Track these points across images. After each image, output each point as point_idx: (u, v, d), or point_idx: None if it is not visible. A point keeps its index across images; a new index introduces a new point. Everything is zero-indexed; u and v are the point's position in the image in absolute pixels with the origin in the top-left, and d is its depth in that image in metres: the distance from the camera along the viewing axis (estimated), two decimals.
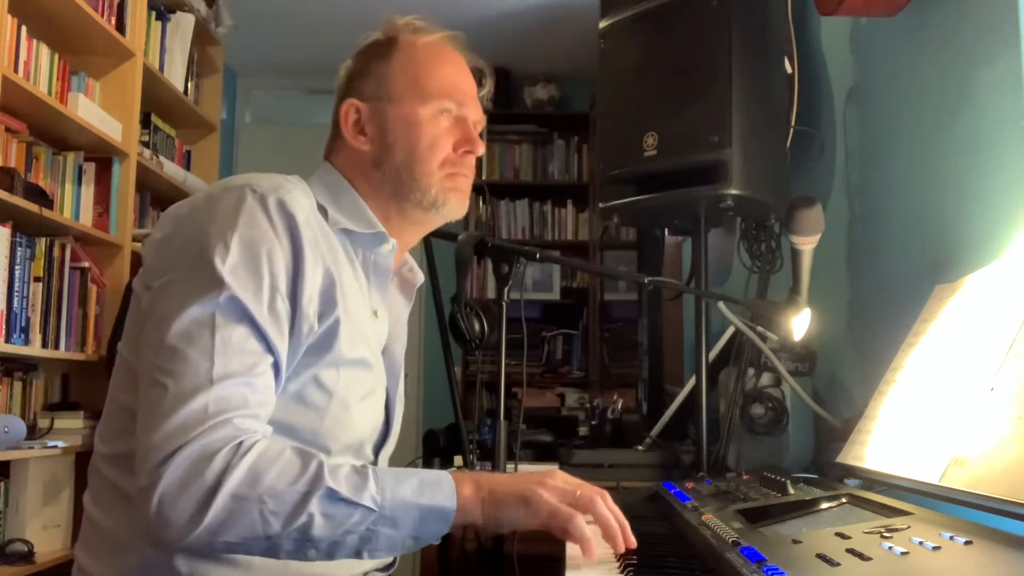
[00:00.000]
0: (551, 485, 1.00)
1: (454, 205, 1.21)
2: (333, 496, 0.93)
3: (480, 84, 1.26)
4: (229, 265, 0.98)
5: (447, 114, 1.20)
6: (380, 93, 1.20)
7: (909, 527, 0.89)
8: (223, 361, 0.95)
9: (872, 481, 1.18)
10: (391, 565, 1.24)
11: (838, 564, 0.78)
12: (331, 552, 0.95)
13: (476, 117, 1.23)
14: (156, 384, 0.94)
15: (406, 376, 1.34)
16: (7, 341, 2.40)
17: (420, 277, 1.32)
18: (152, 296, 1.01)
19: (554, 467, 1.08)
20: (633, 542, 1.02)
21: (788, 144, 1.86)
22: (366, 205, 1.18)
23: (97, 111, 2.84)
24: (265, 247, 1.01)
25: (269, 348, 0.99)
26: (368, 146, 1.20)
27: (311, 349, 1.05)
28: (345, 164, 1.21)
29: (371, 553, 0.96)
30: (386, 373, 1.22)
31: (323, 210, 1.14)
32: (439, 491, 0.98)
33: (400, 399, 1.28)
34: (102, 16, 2.82)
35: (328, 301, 1.06)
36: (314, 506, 0.92)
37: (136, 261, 3.02)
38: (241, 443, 0.93)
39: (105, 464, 1.06)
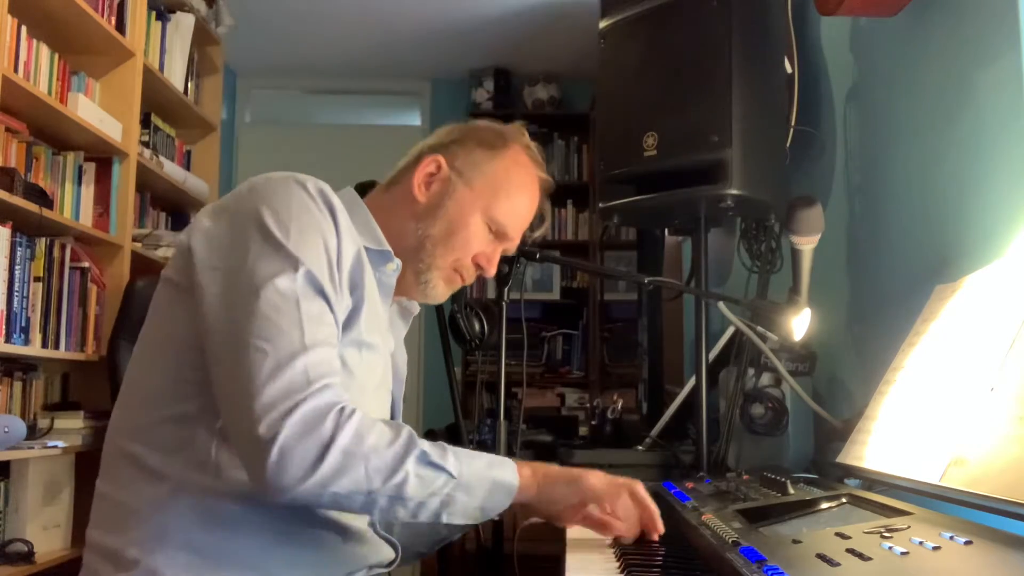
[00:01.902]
0: (598, 474, 1.16)
1: (439, 292, 1.30)
2: (424, 458, 1.03)
3: (532, 227, 1.37)
4: (294, 243, 1.05)
5: (492, 231, 1.29)
6: (466, 172, 1.28)
7: (909, 527, 0.89)
8: (311, 330, 1.02)
9: (872, 481, 1.18)
10: (393, 562, 1.27)
11: (838, 564, 0.78)
12: (416, 512, 1.04)
13: (511, 248, 1.34)
14: (253, 348, 1.00)
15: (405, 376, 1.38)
16: (7, 341, 2.40)
17: (417, 307, 1.38)
18: (221, 276, 1.06)
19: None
20: (661, 528, 1.16)
21: (788, 144, 1.86)
22: (377, 225, 1.24)
23: (97, 111, 2.84)
24: (319, 227, 1.09)
25: (335, 320, 1.08)
26: (424, 200, 1.27)
27: (343, 325, 1.12)
28: (392, 198, 1.29)
29: (449, 517, 1.06)
30: (392, 376, 1.30)
31: None
32: (505, 468, 1.11)
33: (401, 402, 1.34)
34: (102, 16, 2.82)
35: (358, 280, 1.14)
36: (410, 465, 1.02)
37: (136, 261, 3.02)
38: (343, 407, 1.01)
39: (128, 441, 1.09)
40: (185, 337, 1.07)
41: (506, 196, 1.28)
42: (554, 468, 1.15)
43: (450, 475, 1.05)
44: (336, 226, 1.11)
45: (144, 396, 1.10)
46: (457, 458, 1.06)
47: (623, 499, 1.15)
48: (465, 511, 1.07)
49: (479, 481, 1.07)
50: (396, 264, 1.24)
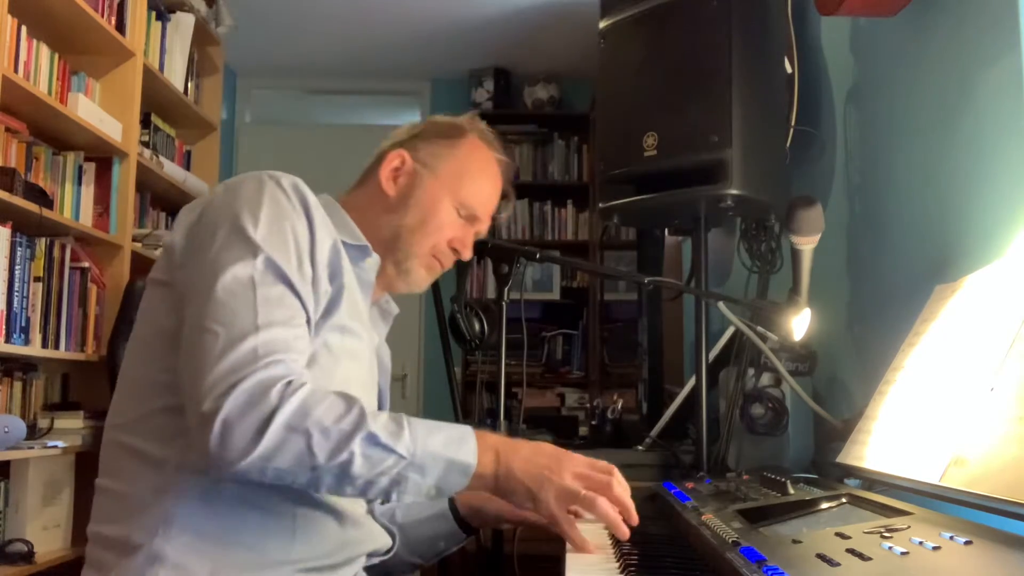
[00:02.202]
0: (558, 484, 1.08)
1: (420, 279, 1.35)
2: (373, 439, 1.01)
3: (500, 208, 1.42)
4: (261, 233, 1.08)
5: (462, 215, 1.34)
6: (429, 163, 1.34)
7: (909, 527, 0.89)
8: (266, 311, 1.04)
9: (872, 481, 1.18)
10: (390, 549, 1.31)
11: (838, 564, 0.78)
12: (365, 491, 1.03)
13: (482, 230, 1.39)
14: (206, 331, 1.02)
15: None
16: (7, 341, 2.40)
17: (396, 308, 1.42)
18: (192, 267, 1.09)
19: (573, 454, 1.14)
20: (635, 519, 1.10)
21: (788, 144, 1.86)
22: (354, 225, 1.28)
23: (97, 111, 2.84)
24: (289, 219, 1.12)
25: (303, 305, 1.09)
26: (393, 193, 1.32)
27: (323, 311, 1.15)
28: (363, 196, 1.34)
29: (400, 495, 1.04)
30: (378, 368, 1.33)
31: None
32: (464, 447, 1.07)
33: (388, 393, 1.38)
34: (102, 16, 2.82)
35: (336, 268, 1.17)
36: (356, 445, 1.00)
37: (136, 261, 3.02)
38: (291, 381, 1.01)
39: (125, 433, 1.12)
40: (170, 330, 1.10)
41: (470, 180, 1.34)
42: (519, 466, 1.08)
43: (400, 456, 1.02)
44: (309, 218, 1.14)
45: (138, 389, 1.13)
46: (412, 436, 1.03)
47: (598, 505, 1.07)
48: (418, 490, 1.05)
49: (433, 461, 1.04)
50: (375, 259, 1.28)
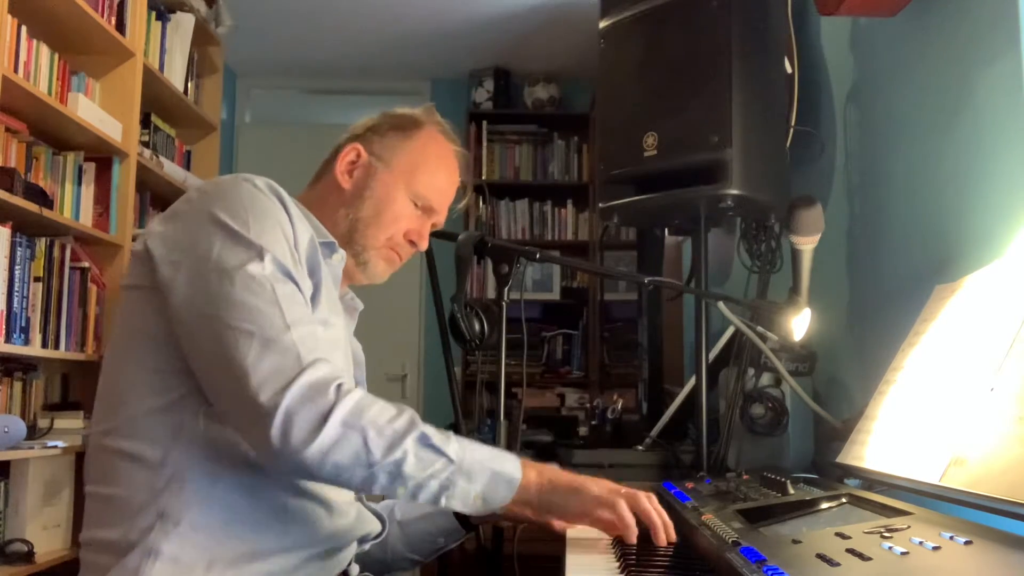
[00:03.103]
0: (599, 483, 1.16)
1: (379, 271, 1.36)
2: (425, 440, 1.06)
3: (458, 199, 1.44)
4: (255, 232, 1.10)
5: (418, 207, 1.35)
6: (384, 155, 1.35)
7: (909, 527, 0.89)
8: (289, 308, 1.07)
9: (872, 481, 1.18)
10: (380, 534, 1.33)
11: (838, 564, 0.78)
12: (416, 493, 1.06)
13: (439, 221, 1.40)
14: (236, 331, 1.04)
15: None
16: (7, 341, 2.40)
17: (360, 304, 1.43)
18: (189, 272, 1.09)
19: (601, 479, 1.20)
20: (674, 536, 1.13)
21: (788, 144, 1.86)
22: (319, 223, 1.29)
23: (97, 111, 2.84)
24: (274, 215, 1.14)
25: (306, 300, 1.13)
26: (349, 186, 1.33)
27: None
28: (320, 191, 1.35)
29: (449, 500, 1.08)
30: (353, 362, 1.35)
31: None
32: (508, 461, 1.12)
33: (364, 385, 1.38)
34: (102, 16, 2.82)
35: (314, 264, 1.19)
36: (409, 444, 1.04)
37: None
38: (342, 383, 1.04)
39: (115, 438, 1.12)
40: (155, 332, 1.11)
41: (425, 171, 1.35)
42: (559, 475, 1.15)
43: (449, 459, 1.06)
44: (289, 215, 1.16)
45: (124, 393, 1.13)
46: (460, 445, 1.08)
47: (619, 507, 1.12)
48: (465, 498, 1.08)
49: (480, 469, 1.09)
50: (341, 255, 1.29)
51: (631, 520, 1.12)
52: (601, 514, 1.13)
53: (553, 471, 1.16)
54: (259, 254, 1.08)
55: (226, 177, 1.18)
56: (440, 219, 1.39)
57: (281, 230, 1.13)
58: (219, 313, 1.05)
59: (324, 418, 1.01)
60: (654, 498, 1.16)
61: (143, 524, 1.06)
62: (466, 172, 1.44)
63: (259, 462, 1.06)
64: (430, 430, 1.07)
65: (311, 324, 1.09)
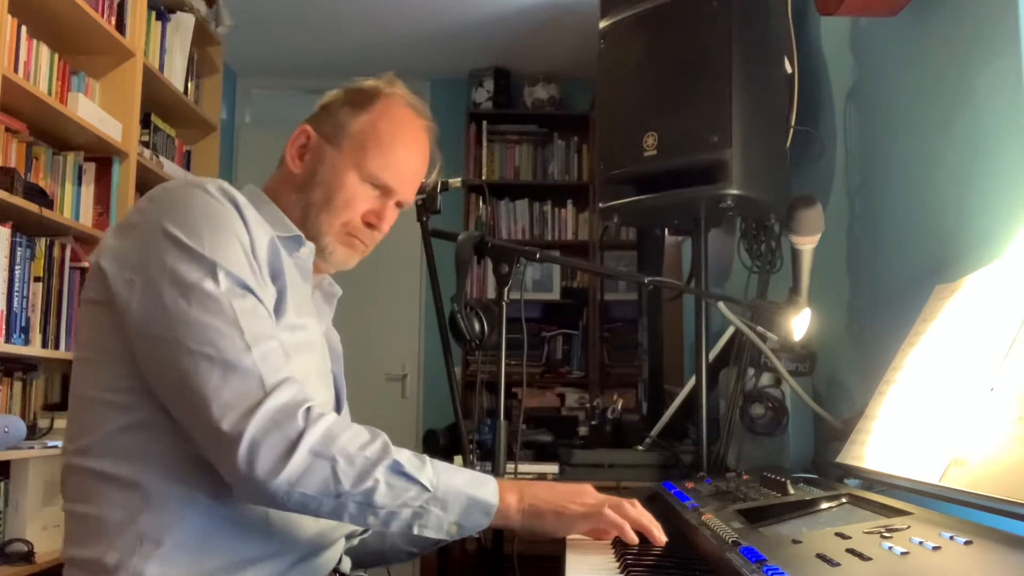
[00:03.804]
0: (580, 500, 1.14)
1: (342, 257, 1.28)
2: (397, 468, 1.03)
3: (427, 173, 1.34)
4: (209, 247, 1.05)
5: (375, 188, 1.26)
6: (333, 135, 1.27)
7: (909, 527, 0.89)
8: (249, 325, 1.03)
9: (872, 481, 1.18)
10: (367, 529, 1.30)
11: (838, 564, 0.78)
12: (388, 521, 1.03)
13: (405, 200, 1.30)
14: (195, 355, 1.00)
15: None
16: (7, 341, 2.40)
17: (339, 290, 1.37)
18: (143, 290, 1.04)
19: (585, 485, 1.20)
20: (663, 539, 1.13)
21: (788, 144, 1.86)
22: (284, 215, 1.24)
23: (97, 111, 2.84)
24: (228, 225, 1.08)
25: (268, 312, 1.09)
26: (299, 171, 1.27)
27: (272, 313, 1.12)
28: (278, 177, 1.29)
29: (421, 529, 1.05)
30: (330, 355, 1.31)
31: None
32: (485, 487, 1.09)
33: (343, 378, 1.35)
34: (102, 16, 2.82)
35: (278, 268, 1.14)
36: (380, 473, 1.01)
37: None
38: (311, 407, 1.01)
39: (87, 458, 1.08)
40: (113, 349, 1.07)
41: (376, 150, 1.25)
42: (541, 497, 1.13)
43: (423, 487, 1.04)
44: (244, 220, 1.10)
45: (93, 411, 1.09)
46: (435, 471, 1.06)
47: (607, 517, 1.12)
48: (439, 526, 1.06)
49: (455, 497, 1.06)
50: (309, 247, 1.24)
51: (624, 522, 1.12)
52: (589, 529, 1.14)
53: (534, 492, 1.13)
54: (213, 270, 1.03)
55: (177, 184, 1.13)
56: (405, 198, 1.30)
57: (237, 240, 1.08)
58: (177, 336, 1.01)
59: (292, 446, 0.97)
60: (637, 503, 1.16)
61: (124, 546, 1.03)
62: (434, 142, 1.34)
63: (233, 491, 1.02)
64: (404, 456, 1.04)
65: (273, 339, 1.05)
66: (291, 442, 0.97)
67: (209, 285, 1.02)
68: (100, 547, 1.04)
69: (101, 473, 1.06)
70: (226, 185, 1.13)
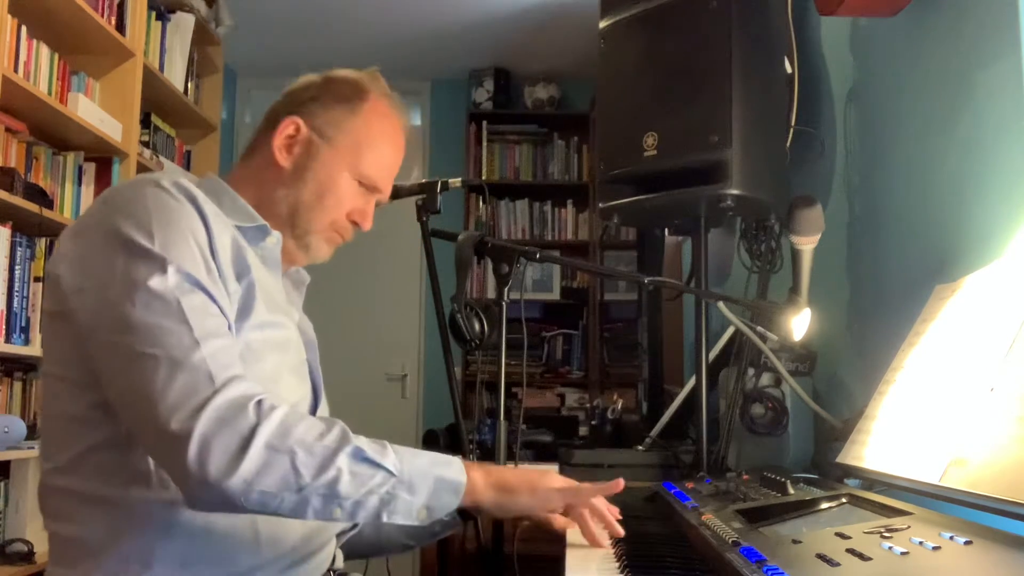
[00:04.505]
0: (549, 479, 1.15)
1: (322, 252, 1.28)
2: (359, 454, 0.99)
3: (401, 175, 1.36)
4: (160, 243, 1.01)
5: (363, 186, 1.27)
6: (327, 132, 1.24)
7: (909, 527, 0.89)
8: (198, 323, 0.98)
9: (872, 481, 1.18)
10: (356, 524, 1.28)
11: (838, 564, 0.78)
12: (354, 512, 0.99)
13: (383, 198, 1.32)
14: (142, 356, 0.95)
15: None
16: (7, 341, 2.40)
17: (307, 277, 1.36)
18: (94, 293, 1.01)
19: (552, 468, 1.20)
20: (620, 531, 1.16)
21: (788, 144, 1.86)
22: (246, 203, 1.20)
23: (97, 111, 2.84)
24: (182, 221, 1.04)
25: (222, 310, 1.04)
26: (287, 164, 1.23)
27: (237, 314, 1.09)
28: (255, 166, 1.26)
29: (390, 516, 1.02)
30: (304, 346, 1.27)
31: None
32: (450, 467, 1.07)
33: (319, 368, 1.31)
34: (102, 16, 2.82)
35: (242, 265, 1.10)
36: (342, 461, 0.97)
37: None
38: (261, 400, 0.97)
39: (63, 476, 1.05)
40: (75, 364, 1.04)
41: (370, 149, 1.25)
42: (509, 475, 1.13)
43: (389, 472, 1.00)
44: (203, 217, 1.06)
45: (64, 429, 1.06)
46: (398, 455, 1.02)
47: (584, 493, 1.16)
48: (408, 511, 1.02)
49: (422, 478, 1.03)
50: (276, 237, 1.21)
51: (606, 512, 1.15)
52: (565, 503, 1.16)
53: (501, 471, 1.13)
54: (162, 266, 0.99)
55: (130, 182, 1.10)
56: (385, 196, 1.31)
57: (191, 236, 1.04)
58: (123, 339, 0.97)
59: (246, 442, 0.92)
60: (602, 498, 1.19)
61: (108, 566, 1.01)
62: (408, 141, 1.35)
63: (184, 497, 0.96)
64: (364, 442, 1.00)
65: (225, 337, 1.01)
66: (244, 438, 0.93)
67: (156, 282, 0.98)
68: (82, 567, 1.02)
69: (79, 493, 1.04)
70: (183, 180, 1.09)
